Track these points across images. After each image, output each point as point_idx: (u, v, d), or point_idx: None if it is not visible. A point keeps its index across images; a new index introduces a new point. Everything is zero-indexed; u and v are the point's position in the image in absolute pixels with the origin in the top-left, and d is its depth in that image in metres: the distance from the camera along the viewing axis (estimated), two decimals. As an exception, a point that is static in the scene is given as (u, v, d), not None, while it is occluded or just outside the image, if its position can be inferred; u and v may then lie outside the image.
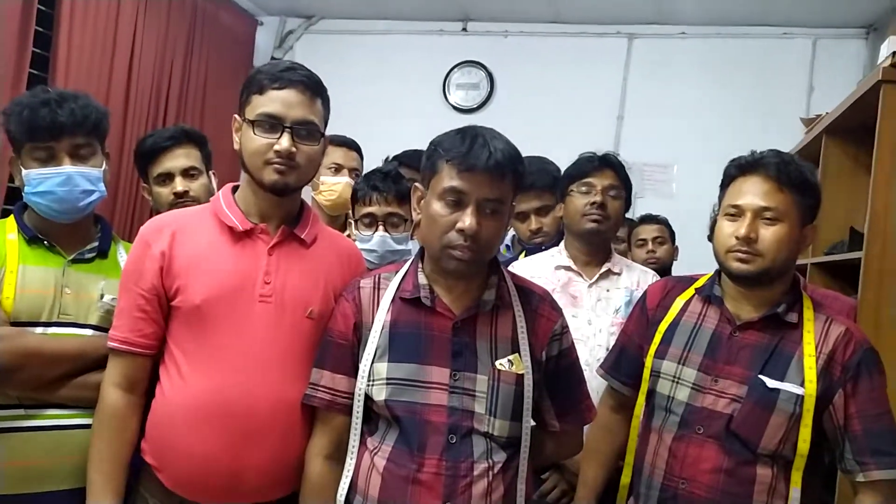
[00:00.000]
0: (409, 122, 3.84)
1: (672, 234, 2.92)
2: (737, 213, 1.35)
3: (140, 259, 1.32)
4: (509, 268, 1.91)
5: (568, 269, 1.85)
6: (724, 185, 1.41)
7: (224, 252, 1.31)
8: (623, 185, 1.86)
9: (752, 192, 1.34)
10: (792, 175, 1.34)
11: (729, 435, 1.30)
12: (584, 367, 1.66)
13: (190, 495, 1.27)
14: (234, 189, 1.40)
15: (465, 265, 1.23)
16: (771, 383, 1.29)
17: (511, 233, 2.29)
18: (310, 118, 1.31)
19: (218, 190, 1.43)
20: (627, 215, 2.15)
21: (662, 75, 3.90)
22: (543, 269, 1.86)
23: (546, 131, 3.53)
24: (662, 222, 2.92)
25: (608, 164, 1.85)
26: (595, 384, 1.59)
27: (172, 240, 1.31)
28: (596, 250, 1.85)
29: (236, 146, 1.34)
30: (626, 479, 1.48)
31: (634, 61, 3.96)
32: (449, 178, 1.21)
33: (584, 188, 1.81)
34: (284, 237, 1.35)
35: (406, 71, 4.18)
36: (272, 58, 4.25)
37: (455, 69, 4.15)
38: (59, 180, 1.40)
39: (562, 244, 1.93)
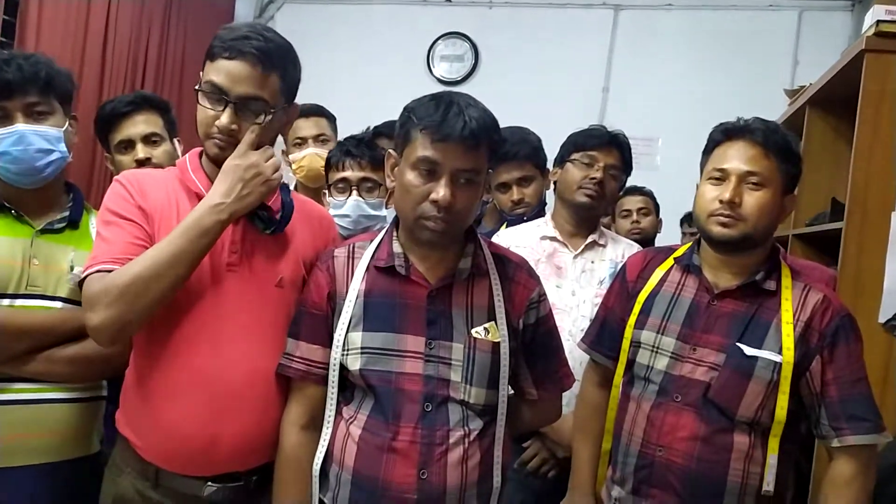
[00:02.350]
0: (392, 94, 3.76)
1: (656, 205, 2.92)
2: (721, 176, 1.34)
3: (121, 196, 1.25)
4: (494, 236, 1.91)
5: (553, 239, 1.84)
6: (709, 150, 1.40)
7: None
8: (624, 168, 1.84)
9: (737, 157, 1.33)
10: (777, 142, 1.33)
11: (706, 402, 1.30)
12: (567, 337, 1.68)
13: (166, 465, 1.26)
14: (201, 154, 1.35)
15: (438, 236, 1.21)
16: (748, 351, 1.29)
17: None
18: (257, 94, 1.23)
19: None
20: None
21: (648, 47, 3.87)
22: (528, 239, 1.85)
23: (531, 103, 3.49)
24: (647, 194, 2.92)
25: (616, 143, 1.83)
26: (577, 354, 1.59)
27: (144, 192, 1.26)
28: (583, 223, 1.84)
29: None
30: (606, 445, 1.49)
31: (620, 33, 3.93)
32: (422, 148, 1.18)
33: (586, 160, 1.79)
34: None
35: (390, 42, 4.12)
36: (252, 28, 4.16)
37: (439, 41, 4.10)
38: (13, 139, 1.35)
39: (548, 214, 1.91)
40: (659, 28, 3.86)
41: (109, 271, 1.17)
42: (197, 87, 1.25)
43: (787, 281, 1.34)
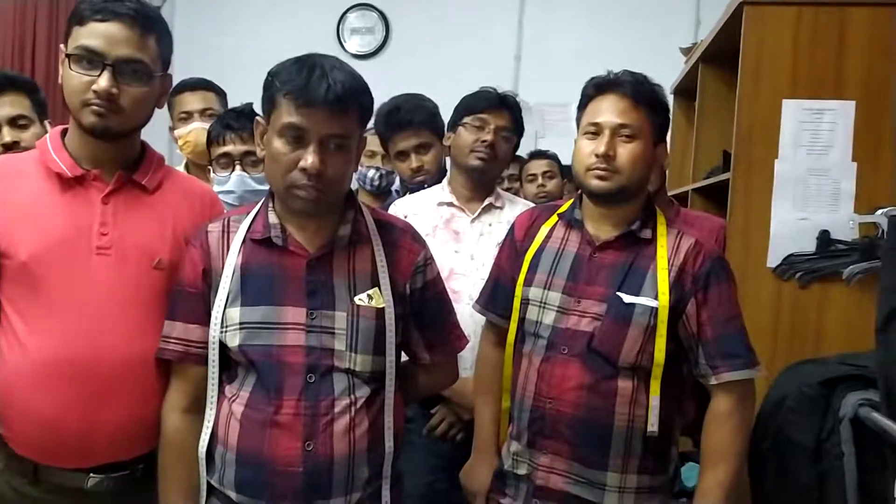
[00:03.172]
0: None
1: (562, 168, 2.96)
2: (595, 130, 1.36)
3: None
4: (392, 206, 1.90)
5: (450, 204, 1.84)
6: (583, 105, 1.42)
7: (51, 202, 1.21)
8: (516, 129, 1.85)
9: (609, 111, 1.35)
10: (646, 93, 1.36)
11: (590, 352, 1.33)
12: (468, 301, 1.69)
13: (42, 458, 1.21)
14: (65, 133, 1.28)
15: (311, 204, 1.18)
16: (627, 298, 1.32)
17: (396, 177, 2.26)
18: (137, 56, 1.19)
19: None
20: (519, 153, 2.16)
21: (557, 14, 3.90)
22: (426, 206, 1.84)
23: (445, 74, 3.46)
24: (551, 157, 2.97)
25: (506, 104, 1.82)
26: (478, 318, 1.60)
27: None
28: (478, 186, 1.84)
29: (60, 80, 1.22)
30: (505, 404, 1.51)
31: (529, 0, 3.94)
32: (287, 114, 1.15)
33: (477, 123, 1.78)
34: (122, 184, 1.26)
35: (298, 16, 4.02)
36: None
37: (349, 12, 4.02)
38: None
39: (445, 180, 1.91)
40: (566, -7, 3.90)
41: None
42: (67, 53, 1.18)
43: (662, 229, 1.38)
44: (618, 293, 1.33)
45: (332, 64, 1.17)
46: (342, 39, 4.02)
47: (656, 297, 1.32)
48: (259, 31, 3.95)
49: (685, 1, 3.79)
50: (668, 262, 1.34)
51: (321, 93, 1.13)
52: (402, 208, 1.83)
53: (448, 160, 2.05)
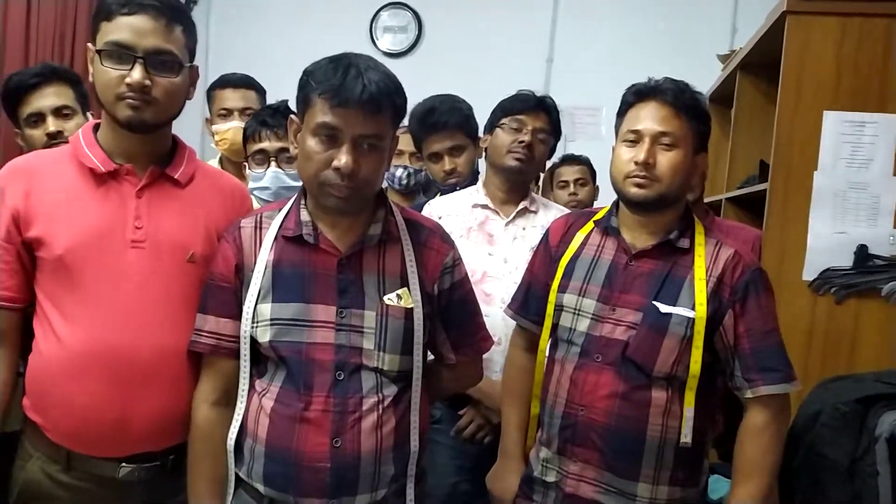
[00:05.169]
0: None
1: (593, 174, 2.93)
2: (635, 138, 1.34)
3: None
4: (426, 206, 1.90)
5: (485, 207, 1.84)
6: (622, 112, 1.41)
7: (85, 197, 1.23)
8: (552, 132, 1.84)
9: (649, 118, 1.34)
10: (687, 101, 1.35)
11: (625, 361, 1.32)
12: (500, 304, 1.69)
13: (77, 447, 1.22)
14: (96, 128, 1.29)
15: (343, 203, 1.18)
16: (663, 308, 1.31)
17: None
18: (166, 47, 1.20)
19: None
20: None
21: (590, 17, 3.87)
22: (460, 208, 1.84)
23: (476, 74, 3.46)
24: (584, 163, 2.90)
25: (543, 106, 1.83)
26: (510, 321, 1.59)
27: (28, 186, 1.22)
28: (514, 188, 1.84)
29: (91, 79, 1.24)
30: (535, 410, 1.50)
31: (563, 2, 3.91)
32: (322, 114, 1.15)
33: (514, 125, 1.79)
34: (154, 178, 1.27)
35: (332, 13, 4.03)
36: (187, 2, 4.02)
37: (382, 11, 4.02)
38: None
39: (479, 182, 1.91)
40: (600, -3, 3.87)
41: None
42: (97, 49, 1.20)
43: (700, 238, 1.36)
44: (654, 302, 1.32)
45: (367, 64, 1.18)
46: (374, 37, 4.03)
47: (693, 308, 1.30)
48: (292, 29, 3.97)
49: (721, 7, 3.74)
50: (706, 272, 1.32)
51: (356, 93, 1.13)
52: (437, 209, 1.83)
53: (481, 162, 2.05)
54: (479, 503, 1.70)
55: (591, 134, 3.81)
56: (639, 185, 1.32)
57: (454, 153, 2.00)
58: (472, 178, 2.02)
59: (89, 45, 1.24)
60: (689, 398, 1.31)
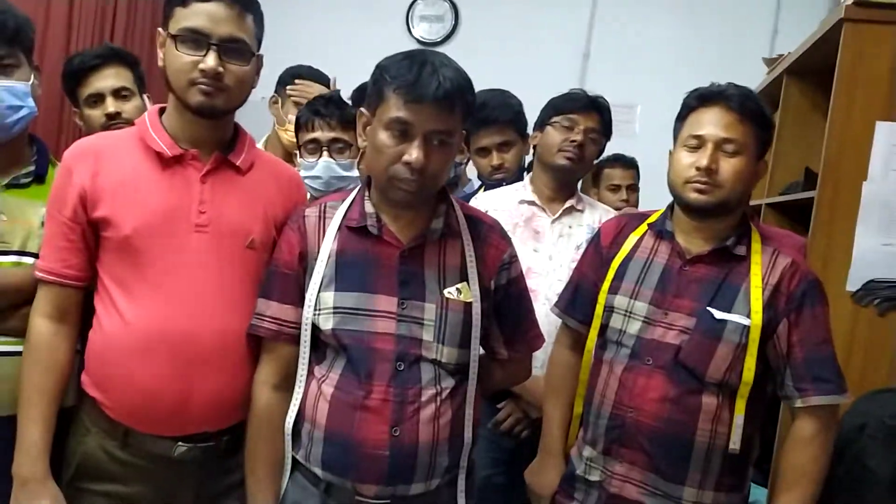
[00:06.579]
0: (371, 55, 3.70)
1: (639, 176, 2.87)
2: (697, 143, 1.34)
3: (62, 187, 1.25)
4: (472, 199, 1.91)
5: (532, 203, 1.84)
6: (683, 116, 1.40)
7: (152, 179, 1.25)
8: (604, 132, 1.85)
9: (713, 123, 1.33)
10: (752, 108, 1.34)
11: (676, 365, 1.32)
12: (543, 301, 1.70)
13: (136, 424, 1.25)
14: (162, 111, 1.31)
15: (411, 196, 1.20)
16: (718, 314, 1.31)
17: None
18: (239, 35, 1.22)
19: None
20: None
21: (629, 14, 3.83)
22: (507, 203, 1.85)
23: (511, 66, 3.44)
24: (635, 167, 2.78)
25: (596, 106, 1.83)
26: (553, 318, 1.60)
27: (95, 166, 1.24)
28: (562, 187, 1.84)
29: (160, 63, 1.25)
30: (577, 409, 1.51)
31: (601, -2, 3.89)
32: (395, 108, 1.16)
33: (566, 123, 1.79)
34: (218, 164, 1.29)
35: (367, 1, 4.03)
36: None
37: (418, 0, 4.01)
38: None
39: (527, 178, 1.91)
40: (640, -6, 3.83)
41: (44, 280, 1.25)
42: (172, 34, 1.21)
43: (756, 246, 1.36)
44: (708, 308, 1.32)
45: (441, 61, 1.18)
46: (410, 25, 4.03)
47: (748, 315, 1.30)
48: (328, 16, 3.96)
49: (762, 8, 3.69)
50: (763, 280, 1.32)
51: (431, 90, 1.14)
52: (483, 204, 1.84)
53: (527, 158, 2.05)
54: (512, 496, 1.72)
55: (626, 131, 3.76)
56: (700, 191, 1.32)
57: (503, 148, 2.01)
58: (517, 174, 2.02)
59: (160, 29, 1.25)
60: (741, 405, 1.31)
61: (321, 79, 2.15)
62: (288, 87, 2.08)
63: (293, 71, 2.13)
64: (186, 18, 1.20)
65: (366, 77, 2.38)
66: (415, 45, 4.00)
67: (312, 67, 2.17)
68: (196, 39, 1.20)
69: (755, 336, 1.29)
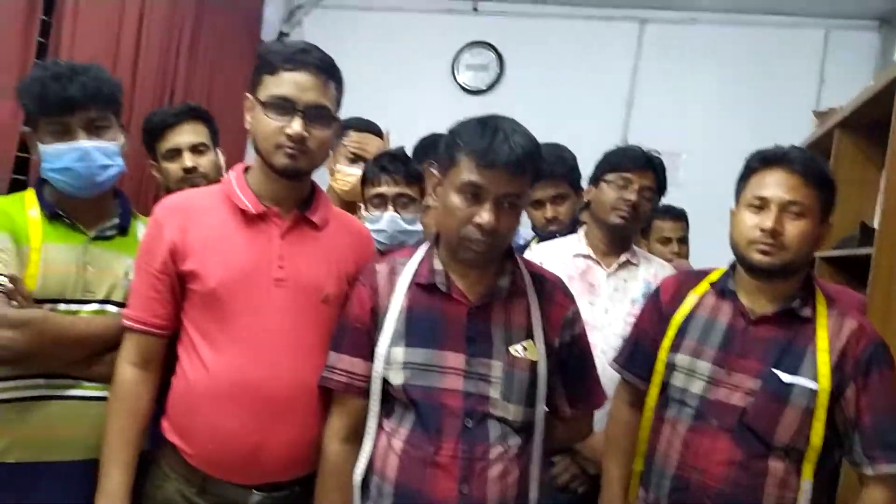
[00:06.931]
0: (416, 102, 3.83)
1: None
2: (762, 205, 1.35)
3: (153, 240, 1.33)
4: (526, 251, 1.94)
5: (587, 257, 1.86)
6: (746, 177, 1.42)
7: (237, 235, 1.32)
8: (658, 190, 1.86)
9: (777, 185, 1.35)
10: (816, 171, 1.35)
11: (742, 428, 1.32)
12: (598, 355, 1.69)
13: (213, 471, 1.29)
14: (246, 170, 1.39)
15: (481, 256, 1.24)
16: (785, 378, 1.31)
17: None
18: (322, 102, 1.29)
19: (225, 166, 1.43)
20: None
21: (672, 62, 3.87)
22: (562, 256, 1.87)
23: (555, 115, 3.50)
24: (685, 219, 2.78)
25: (652, 165, 1.85)
26: (609, 372, 1.60)
27: (185, 222, 1.31)
28: (616, 241, 1.86)
29: (247, 126, 1.33)
30: (637, 466, 1.51)
31: (645, 47, 3.93)
32: (468, 172, 1.21)
33: (621, 182, 1.80)
34: (296, 221, 1.35)
35: (415, 50, 4.14)
36: (280, 33, 4.20)
37: (464, 49, 4.12)
38: (76, 155, 1.39)
39: (581, 231, 1.93)
40: (684, 43, 3.86)
41: (131, 328, 1.33)
42: (262, 100, 1.28)
43: (822, 308, 1.36)
44: (774, 370, 1.32)
45: (512, 127, 1.23)
46: (455, 74, 4.13)
47: (815, 379, 1.30)
48: (375, 61, 4.08)
49: (808, 59, 3.70)
50: (830, 343, 1.32)
51: (503, 155, 1.19)
52: (538, 256, 1.87)
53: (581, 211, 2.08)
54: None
55: (669, 180, 3.78)
56: (764, 252, 1.33)
57: (557, 202, 2.04)
58: (570, 227, 2.05)
59: (248, 94, 1.33)
60: (808, 470, 1.30)
61: (374, 130, 2.21)
62: (343, 140, 2.15)
63: (345, 123, 2.20)
64: (275, 86, 1.27)
65: (412, 121, 2.43)
66: (460, 94, 4.17)
67: (363, 119, 2.23)
68: (283, 106, 1.27)
69: (823, 401, 1.29)
